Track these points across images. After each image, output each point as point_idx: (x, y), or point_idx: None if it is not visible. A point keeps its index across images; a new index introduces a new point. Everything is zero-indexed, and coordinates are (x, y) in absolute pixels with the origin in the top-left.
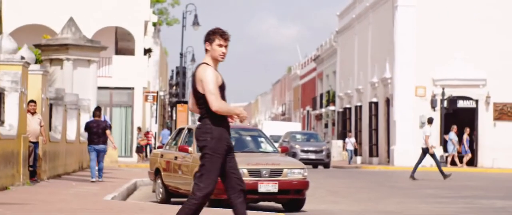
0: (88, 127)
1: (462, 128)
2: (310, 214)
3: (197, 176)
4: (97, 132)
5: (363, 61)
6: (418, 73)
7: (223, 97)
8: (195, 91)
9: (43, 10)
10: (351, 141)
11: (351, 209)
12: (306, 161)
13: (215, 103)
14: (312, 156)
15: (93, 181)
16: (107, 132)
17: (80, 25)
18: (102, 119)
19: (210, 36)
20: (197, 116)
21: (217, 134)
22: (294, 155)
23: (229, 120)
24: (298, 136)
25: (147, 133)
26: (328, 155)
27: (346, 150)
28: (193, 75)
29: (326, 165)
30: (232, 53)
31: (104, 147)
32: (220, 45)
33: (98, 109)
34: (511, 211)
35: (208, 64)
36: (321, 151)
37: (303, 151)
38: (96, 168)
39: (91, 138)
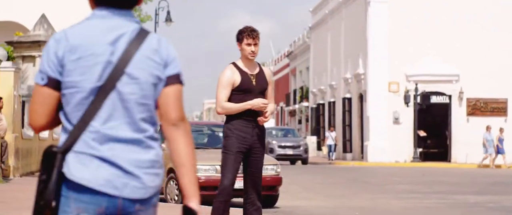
0: None
1: (435, 123)
2: (284, 210)
3: None
4: None
5: (336, 57)
6: (391, 69)
7: (243, 97)
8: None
9: (15, 7)
10: (332, 136)
11: (324, 205)
12: (284, 157)
13: (217, 109)
14: (289, 152)
15: None
16: None
17: (52, 22)
18: None
19: (239, 36)
20: None
21: (228, 132)
22: (271, 150)
23: (261, 118)
24: (275, 132)
25: None
26: (306, 151)
27: (326, 145)
28: None
29: (304, 161)
30: (204, 50)
31: None
32: (249, 44)
33: None
34: (484, 206)
35: (235, 64)
36: (298, 147)
37: (280, 146)
38: None
39: None
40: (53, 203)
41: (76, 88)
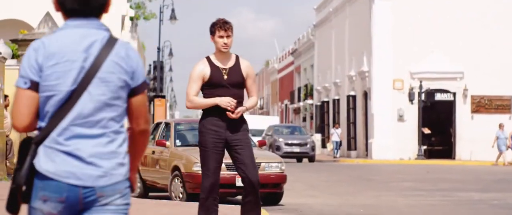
0: None
1: (439, 121)
2: (288, 208)
3: None
4: None
5: (340, 54)
6: (396, 67)
7: (214, 92)
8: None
9: (20, 5)
10: (337, 132)
11: (329, 202)
12: (291, 155)
13: (186, 103)
14: (296, 149)
15: None
16: None
17: (57, 19)
18: None
19: (212, 29)
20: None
21: (202, 128)
22: (278, 148)
23: (229, 113)
24: (282, 129)
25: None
26: (313, 148)
27: (331, 142)
28: None
29: (311, 158)
30: (208, 48)
31: None
32: (221, 37)
33: None
34: (488, 203)
35: (208, 57)
36: (305, 144)
37: (287, 144)
38: None
39: None
40: (24, 188)
41: (53, 91)
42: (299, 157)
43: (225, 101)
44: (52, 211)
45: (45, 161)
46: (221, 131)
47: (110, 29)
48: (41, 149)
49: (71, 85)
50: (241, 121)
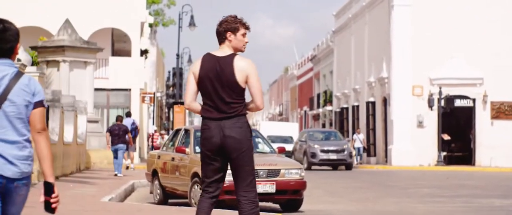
0: (110, 130)
1: (459, 127)
2: (308, 214)
3: None
4: (118, 134)
5: (359, 61)
6: (415, 73)
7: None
8: (233, 83)
9: (39, 12)
10: (359, 138)
11: (348, 209)
12: (327, 162)
13: (260, 105)
14: (333, 156)
15: (115, 175)
16: (128, 134)
17: (76, 26)
18: (130, 121)
19: (234, 25)
20: (194, 116)
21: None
22: (313, 155)
23: None
24: (316, 134)
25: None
26: (351, 155)
27: (354, 148)
28: None
29: (348, 166)
30: None
31: (122, 145)
32: (244, 35)
33: (119, 116)
34: (509, 210)
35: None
36: (342, 151)
37: (323, 151)
38: (125, 161)
39: (112, 139)
40: None
41: None
42: (335, 165)
43: None
44: None
45: None
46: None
47: (129, 36)
48: None
49: None
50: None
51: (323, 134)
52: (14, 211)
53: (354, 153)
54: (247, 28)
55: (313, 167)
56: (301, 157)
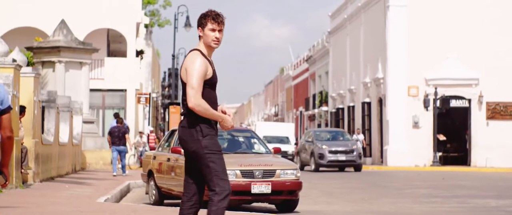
0: (111, 131)
1: (455, 127)
2: None
3: None
4: (118, 136)
5: (355, 61)
6: (411, 73)
7: (211, 94)
8: (182, 81)
9: (35, 12)
10: (359, 138)
11: (344, 209)
12: (336, 163)
13: (193, 103)
14: (342, 157)
15: (114, 175)
16: (126, 135)
17: (71, 27)
18: (125, 125)
19: (202, 20)
20: None
21: (207, 131)
22: (321, 156)
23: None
24: (323, 134)
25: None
26: (360, 155)
27: None
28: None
29: (358, 167)
30: (224, 54)
31: (124, 147)
32: (213, 30)
33: (119, 117)
34: (505, 210)
35: (200, 51)
36: (351, 151)
37: (331, 151)
38: (118, 165)
39: (113, 140)
40: None
41: None
42: (344, 166)
43: (230, 123)
44: None
45: None
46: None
47: (125, 36)
48: None
49: None
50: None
51: (330, 133)
52: None
53: None
54: (218, 23)
55: (320, 169)
56: (308, 158)
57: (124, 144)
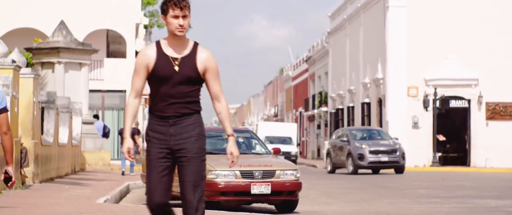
0: (120, 132)
1: (454, 127)
2: None
3: None
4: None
5: (355, 62)
6: (410, 74)
7: (160, 87)
8: None
9: (34, 13)
10: None
11: (344, 210)
12: (378, 165)
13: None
14: (384, 158)
15: (123, 171)
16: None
17: (71, 28)
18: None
19: (163, 7)
20: None
21: (148, 134)
22: (361, 157)
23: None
24: (358, 133)
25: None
26: (404, 156)
27: None
28: None
29: (400, 169)
30: (224, 55)
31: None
32: (175, 17)
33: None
34: (504, 211)
35: (159, 42)
36: (394, 151)
37: (372, 152)
38: (127, 163)
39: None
40: None
41: None
42: (386, 167)
43: (125, 148)
44: None
45: None
46: (165, 138)
47: (124, 37)
48: None
49: None
50: (192, 124)
51: (367, 132)
52: None
53: None
54: (181, 8)
55: (359, 171)
56: (343, 159)
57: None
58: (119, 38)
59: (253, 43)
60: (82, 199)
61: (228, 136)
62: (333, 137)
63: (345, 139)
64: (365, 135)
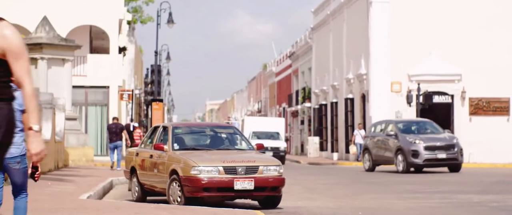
0: (108, 128)
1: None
2: (286, 211)
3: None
4: (115, 131)
5: (338, 57)
6: (394, 69)
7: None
8: None
9: (17, 9)
10: (361, 133)
11: (327, 205)
12: (434, 163)
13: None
14: (441, 155)
15: (112, 163)
16: (124, 131)
17: (54, 24)
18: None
19: None
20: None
21: None
22: (415, 154)
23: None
24: (406, 126)
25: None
26: (462, 152)
27: (354, 144)
28: None
29: (457, 167)
30: (206, 51)
31: (119, 142)
32: None
33: (115, 118)
34: (487, 206)
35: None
36: (452, 147)
37: (428, 148)
38: (115, 158)
39: (111, 136)
40: None
41: None
42: (444, 165)
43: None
44: None
45: None
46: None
47: (108, 33)
48: None
49: None
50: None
51: (415, 124)
52: None
53: (354, 149)
54: None
55: (411, 169)
56: (391, 156)
57: (120, 139)
58: (102, 34)
59: (237, 39)
60: (65, 195)
61: (29, 129)
62: (372, 130)
63: (392, 132)
64: (414, 128)
